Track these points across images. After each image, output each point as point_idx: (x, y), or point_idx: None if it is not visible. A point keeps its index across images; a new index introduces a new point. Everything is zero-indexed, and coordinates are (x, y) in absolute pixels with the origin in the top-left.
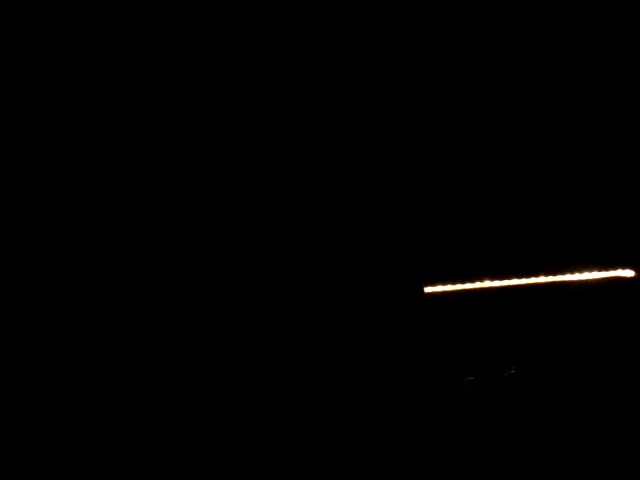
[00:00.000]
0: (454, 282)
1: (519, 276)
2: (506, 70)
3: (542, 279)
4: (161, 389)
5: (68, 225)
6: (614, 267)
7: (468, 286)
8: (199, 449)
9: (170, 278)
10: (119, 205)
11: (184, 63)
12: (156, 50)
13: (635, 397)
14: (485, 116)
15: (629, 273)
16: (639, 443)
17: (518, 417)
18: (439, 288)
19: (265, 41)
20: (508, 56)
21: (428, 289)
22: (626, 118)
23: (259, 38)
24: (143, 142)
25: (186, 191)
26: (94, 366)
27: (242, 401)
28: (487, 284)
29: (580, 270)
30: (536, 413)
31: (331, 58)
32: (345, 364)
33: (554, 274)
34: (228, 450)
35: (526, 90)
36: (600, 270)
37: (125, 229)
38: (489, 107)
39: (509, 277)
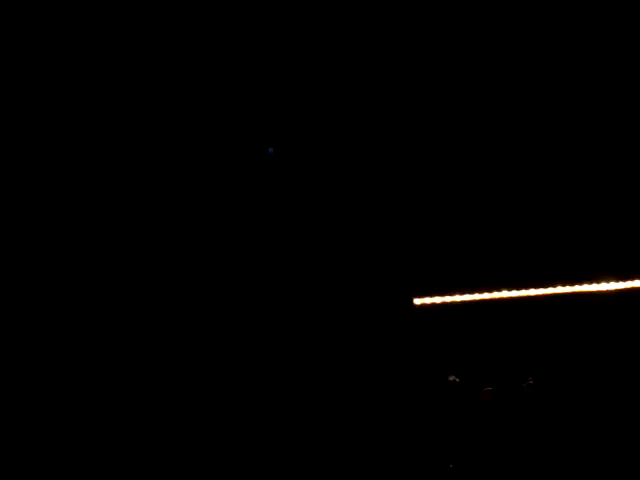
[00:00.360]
0: (474, 292)
1: (538, 287)
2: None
3: (560, 289)
4: (160, 388)
5: (68, 226)
6: (631, 278)
7: (487, 296)
8: (199, 448)
9: (165, 279)
10: (115, 209)
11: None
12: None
13: None
14: (479, 121)
15: None
16: None
17: (536, 427)
18: (460, 297)
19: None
20: (505, 62)
21: (452, 298)
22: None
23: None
24: (136, 150)
25: (176, 197)
26: (94, 365)
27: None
28: (506, 294)
29: (597, 281)
30: (553, 422)
31: (317, 65)
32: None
33: (571, 285)
34: (228, 448)
35: (526, 101)
36: (617, 281)
37: (121, 233)
38: (485, 114)
39: (529, 287)
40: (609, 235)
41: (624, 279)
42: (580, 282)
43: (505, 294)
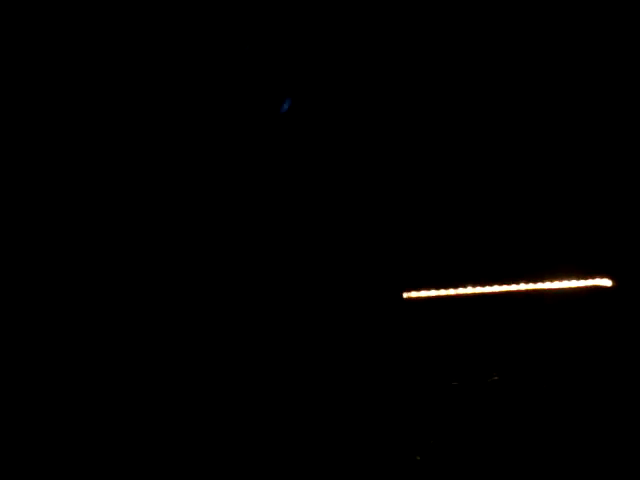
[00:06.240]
0: (435, 288)
1: (499, 283)
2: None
3: (522, 287)
4: (160, 389)
5: (68, 225)
6: (592, 276)
7: (450, 292)
8: (198, 448)
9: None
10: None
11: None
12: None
13: (613, 404)
14: (462, 124)
15: (607, 282)
16: (615, 447)
17: (500, 422)
18: (420, 294)
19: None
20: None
21: (409, 294)
22: (603, 128)
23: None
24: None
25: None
26: (94, 366)
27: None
28: (469, 291)
29: (559, 279)
30: (518, 419)
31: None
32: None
33: (533, 282)
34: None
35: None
36: (578, 279)
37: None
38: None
39: (490, 284)
40: (569, 234)
41: (586, 277)
42: (542, 280)
43: (468, 290)
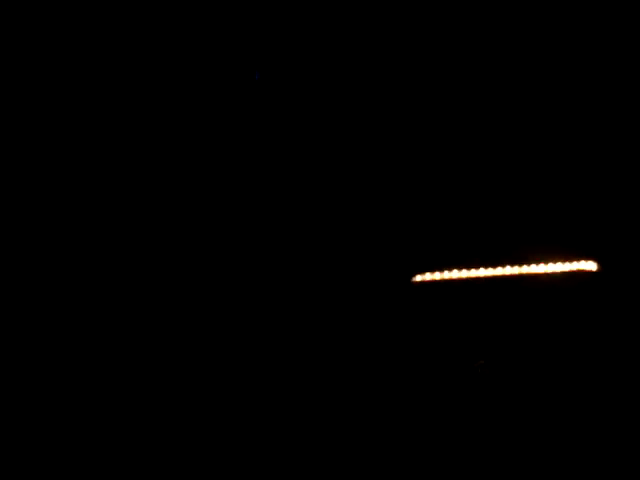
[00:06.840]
0: (420, 273)
1: (479, 267)
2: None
3: (502, 270)
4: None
5: (67, 225)
6: (577, 259)
7: (436, 276)
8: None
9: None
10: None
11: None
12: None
13: (597, 390)
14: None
15: (592, 266)
16: (600, 435)
17: (487, 407)
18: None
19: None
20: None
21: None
22: (586, 113)
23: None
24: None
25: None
26: (94, 366)
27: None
28: (454, 275)
29: (542, 262)
30: (504, 404)
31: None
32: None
33: (515, 265)
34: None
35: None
36: (563, 262)
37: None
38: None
39: (470, 268)
40: (553, 216)
41: (570, 261)
42: (525, 263)
43: (454, 274)
